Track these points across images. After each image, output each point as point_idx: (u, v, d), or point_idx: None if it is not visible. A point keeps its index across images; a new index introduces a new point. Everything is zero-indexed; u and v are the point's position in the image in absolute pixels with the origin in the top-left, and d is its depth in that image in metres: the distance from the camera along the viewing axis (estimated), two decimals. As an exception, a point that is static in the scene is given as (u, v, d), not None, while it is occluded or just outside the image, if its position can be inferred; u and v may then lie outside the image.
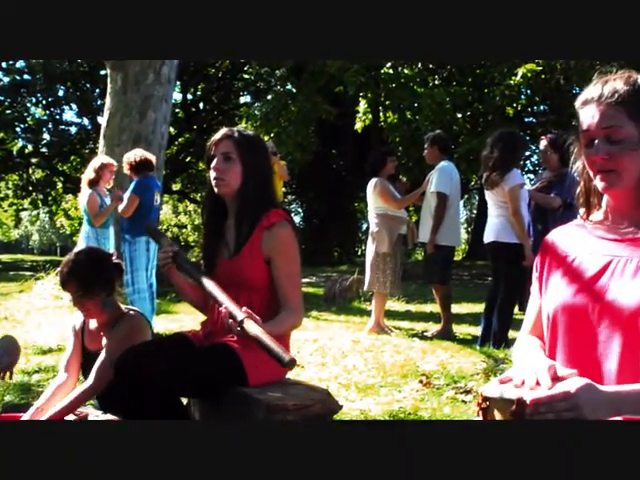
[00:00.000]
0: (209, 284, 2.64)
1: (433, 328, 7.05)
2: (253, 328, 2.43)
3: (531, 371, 1.68)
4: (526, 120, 17.74)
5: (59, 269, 3.22)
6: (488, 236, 6.02)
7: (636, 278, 1.71)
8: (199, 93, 25.22)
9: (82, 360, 3.30)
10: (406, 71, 14.72)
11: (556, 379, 1.65)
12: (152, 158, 6.85)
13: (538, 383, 1.64)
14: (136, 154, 6.76)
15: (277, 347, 2.37)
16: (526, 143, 8.49)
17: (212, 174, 2.78)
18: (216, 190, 2.79)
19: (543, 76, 12.74)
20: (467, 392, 4.26)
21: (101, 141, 11.41)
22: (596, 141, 1.74)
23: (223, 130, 2.83)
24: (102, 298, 3.14)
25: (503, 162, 5.77)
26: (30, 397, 4.19)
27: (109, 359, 2.88)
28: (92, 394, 3.05)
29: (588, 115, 1.76)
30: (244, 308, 2.50)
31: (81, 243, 7.18)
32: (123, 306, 3.33)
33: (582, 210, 1.92)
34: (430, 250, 6.68)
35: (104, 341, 3.16)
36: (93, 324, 3.26)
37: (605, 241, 1.82)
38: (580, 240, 1.88)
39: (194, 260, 3.02)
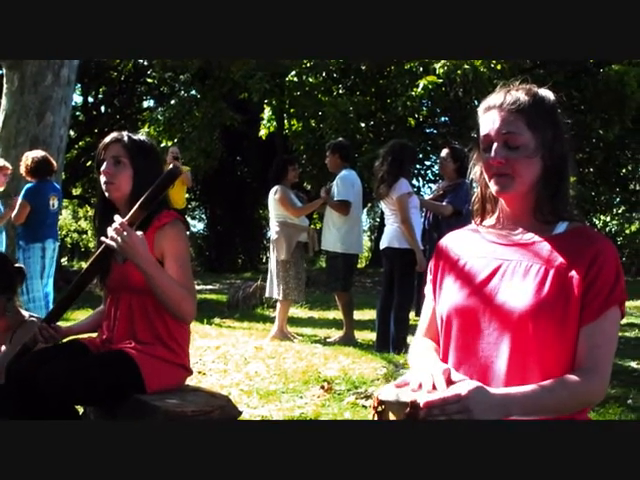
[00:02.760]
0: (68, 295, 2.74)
1: (336, 334, 7.11)
2: (130, 213, 2.51)
3: (427, 375, 1.72)
4: (427, 131, 18.09)
5: None
6: (383, 242, 6.28)
7: (525, 281, 1.78)
8: (100, 96, 24.65)
9: None
10: (311, 79, 14.81)
11: (450, 383, 1.69)
12: (53, 161, 6.66)
13: (434, 387, 1.68)
14: (34, 155, 6.56)
15: (156, 183, 2.46)
16: (416, 154, 8.70)
17: (102, 178, 2.75)
18: (107, 194, 2.76)
19: (443, 89, 13.04)
20: (367, 397, 4.30)
21: (-4, 143, 11.02)
22: (495, 145, 1.81)
23: (113, 134, 2.83)
24: (2, 303, 3.05)
25: (390, 173, 5.98)
26: None
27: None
28: None
29: (489, 120, 1.82)
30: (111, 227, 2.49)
31: (-28, 248, 6.92)
32: (24, 312, 3.24)
33: (477, 215, 1.98)
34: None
35: (3, 347, 3.07)
36: None
37: (496, 245, 1.89)
38: (472, 244, 1.94)
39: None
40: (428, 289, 2.04)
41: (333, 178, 6.98)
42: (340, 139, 7.36)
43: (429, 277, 2.04)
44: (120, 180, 2.72)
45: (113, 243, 2.45)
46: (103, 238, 2.50)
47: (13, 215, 6.44)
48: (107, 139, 2.79)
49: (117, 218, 2.47)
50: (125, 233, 2.43)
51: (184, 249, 2.74)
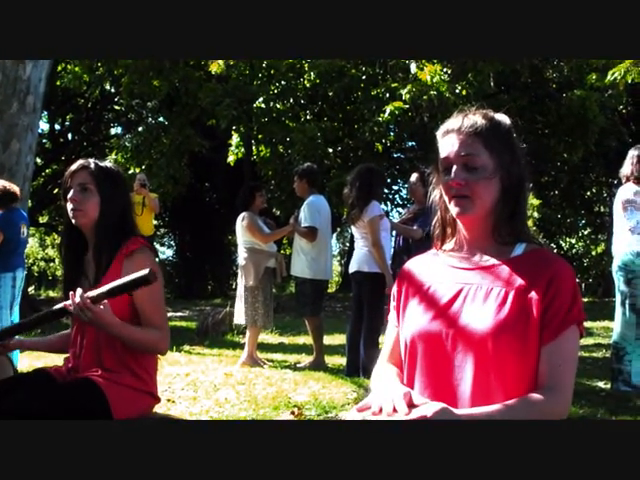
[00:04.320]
0: (31, 320, 2.70)
1: (306, 359, 7.11)
2: (98, 291, 2.45)
3: (388, 398, 1.73)
4: (395, 155, 18.23)
5: None
6: (352, 266, 6.29)
7: (486, 304, 1.81)
8: (67, 123, 24.54)
9: None
10: (278, 106, 14.87)
11: (412, 406, 1.70)
12: (15, 189, 6.59)
13: (395, 410, 1.69)
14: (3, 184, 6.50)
15: (130, 276, 2.39)
16: (384, 177, 8.78)
17: (69, 206, 2.74)
18: (74, 221, 2.74)
19: (410, 114, 13.17)
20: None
21: (-39, 171, 10.91)
22: (454, 167, 1.84)
23: (79, 161, 2.81)
24: None
25: (360, 198, 6.02)
26: None
27: None
28: None
29: (448, 144, 1.86)
30: (74, 292, 2.48)
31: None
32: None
33: (437, 239, 2.01)
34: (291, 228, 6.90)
35: None
36: None
37: (457, 269, 1.92)
38: (434, 269, 1.97)
39: (57, 295, 2.94)
40: (391, 315, 2.06)
41: (301, 204, 7.00)
42: (308, 164, 7.39)
43: (392, 303, 2.07)
44: (87, 207, 2.71)
45: (79, 315, 2.46)
46: (67, 305, 2.49)
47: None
48: (74, 166, 2.78)
49: (79, 292, 2.45)
50: (89, 311, 2.44)
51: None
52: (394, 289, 2.07)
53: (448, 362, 1.83)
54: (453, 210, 1.86)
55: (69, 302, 2.47)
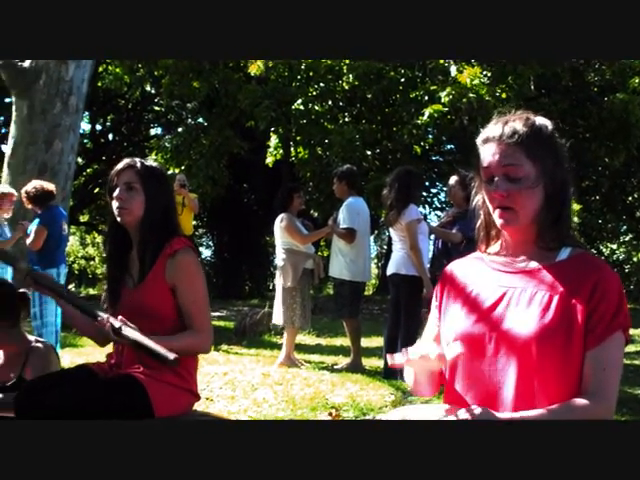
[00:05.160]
0: (74, 299, 2.70)
1: (343, 361, 7.10)
2: (131, 332, 2.47)
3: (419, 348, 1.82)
4: (433, 158, 18.15)
5: None
6: (389, 268, 6.28)
7: (530, 307, 1.79)
8: (108, 124, 24.85)
9: None
10: (317, 107, 14.89)
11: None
12: (51, 187, 6.73)
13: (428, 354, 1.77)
14: (34, 186, 6.64)
15: (158, 347, 2.39)
16: (422, 180, 8.75)
17: (115, 204, 2.77)
18: (119, 219, 2.77)
19: (449, 117, 13.11)
20: (375, 424, 4.29)
21: (5, 170, 11.09)
22: (496, 178, 1.82)
23: (125, 160, 2.84)
24: (6, 329, 3.07)
25: (399, 200, 6.00)
26: None
27: None
28: None
29: (488, 153, 1.84)
30: (120, 317, 2.53)
31: (-23, 273, 6.94)
32: (30, 337, 3.26)
33: (481, 242, 2.00)
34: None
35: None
36: (0, 356, 3.18)
37: (501, 273, 1.90)
38: (478, 272, 1.96)
39: (100, 293, 2.97)
40: (432, 315, 2.06)
41: (340, 206, 7.01)
42: (347, 166, 7.38)
43: (434, 303, 2.06)
44: (132, 205, 2.74)
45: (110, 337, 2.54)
46: (99, 322, 2.55)
47: (29, 241, 6.48)
48: (120, 165, 2.81)
49: (114, 323, 2.52)
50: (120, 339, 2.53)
51: (197, 279, 2.77)
52: (436, 289, 2.07)
53: (490, 366, 1.82)
54: (498, 221, 1.85)
55: (104, 319, 2.52)
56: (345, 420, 4.41)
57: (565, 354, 1.75)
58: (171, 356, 2.35)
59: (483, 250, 2.00)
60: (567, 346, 1.74)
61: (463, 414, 1.67)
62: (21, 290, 3.27)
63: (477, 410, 1.68)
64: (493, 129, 1.86)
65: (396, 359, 1.82)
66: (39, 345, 3.18)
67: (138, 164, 2.79)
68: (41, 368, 3.00)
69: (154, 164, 2.92)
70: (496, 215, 1.85)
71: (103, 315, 2.56)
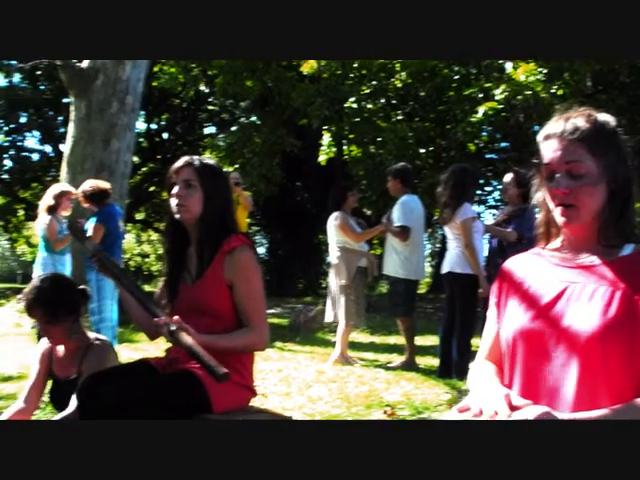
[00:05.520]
0: (136, 290, 2.69)
1: (397, 359, 7.08)
2: (186, 339, 2.47)
3: (488, 400, 1.71)
4: (488, 156, 17.99)
5: (24, 296, 3.20)
6: (444, 267, 6.24)
7: (591, 303, 1.76)
8: (163, 123, 25.18)
9: (51, 387, 3.28)
10: (369, 105, 14.87)
11: (512, 408, 1.67)
12: (107, 186, 6.85)
13: (496, 412, 1.67)
14: (90, 185, 6.77)
15: (211, 359, 2.40)
16: (477, 178, 8.64)
17: (173, 201, 2.79)
18: (177, 217, 2.80)
19: (504, 114, 12.97)
20: (431, 423, 4.27)
21: (64, 168, 11.33)
22: (557, 175, 1.79)
23: (184, 158, 2.86)
24: (68, 325, 3.13)
25: (454, 198, 5.95)
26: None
27: None
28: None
29: (550, 149, 1.81)
30: (176, 317, 2.54)
31: (37, 269, 7.11)
32: (90, 334, 3.31)
33: (541, 239, 1.97)
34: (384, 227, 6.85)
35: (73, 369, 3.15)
36: (61, 351, 3.25)
37: (561, 268, 1.87)
38: (537, 267, 1.93)
39: (155, 290, 2.99)
40: (491, 312, 2.03)
41: (393, 204, 6.98)
42: (402, 164, 7.34)
43: (492, 300, 2.03)
44: (191, 203, 2.76)
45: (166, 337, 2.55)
46: (157, 321, 2.55)
47: (88, 237, 6.62)
48: (179, 163, 2.84)
49: (171, 326, 2.52)
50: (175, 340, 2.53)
51: (255, 276, 2.78)
52: (494, 286, 2.04)
53: (550, 363, 1.79)
54: (559, 219, 1.82)
55: (161, 320, 2.54)
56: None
57: (629, 351, 1.70)
58: (222, 371, 2.37)
59: (543, 246, 1.97)
60: (630, 343, 1.70)
61: (524, 414, 1.64)
62: (81, 286, 3.33)
63: (538, 409, 1.65)
64: (554, 126, 1.84)
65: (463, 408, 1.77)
66: (97, 342, 3.24)
67: (196, 162, 2.81)
68: (97, 365, 3.03)
69: (212, 162, 2.94)
70: (557, 213, 1.82)
71: (161, 314, 2.57)
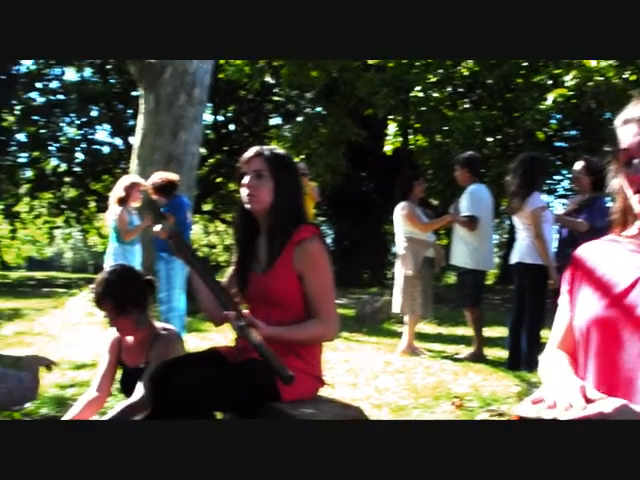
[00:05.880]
0: (207, 277, 2.68)
1: (465, 351, 7.02)
2: (254, 336, 2.49)
3: (563, 392, 1.67)
4: (557, 144, 17.65)
5: (93, 288, 3.26)
6: (513, 257, 6.13)
7: None
8: (230, 115, 25.43)
9: (121, 375, 3.35)
10: (435, 94, 14.75)
11: (587, 400, 1.63)
12: (175, 178, 6.95)
13: (571, 405, 1.63)
14: (160, 177, 6.87)
15: (277, 360, 2.42)
16: (547, 166, 8.45)
17: (244, 191, 2.80)
18: (248, 207, 2.81)
19: (574, 101, 12.69)
20: (501, 415, 4.22)
21: (134, 160, 11.54)
22: (636, 161, 1.74)
23: (254, 148, 2.86)
24: (136, 316, 3.18)
25: (523, 187, 5.84)
26: (65, 410, 4.23)
27: None
28: (135, 411, 3.07)
29: (629, 134, 1.76)
30: (246, 311, 2.57)
31: (108, 260, 7.25)
32: (157, 323, 3.36)
33: (617, 225, 1.91)
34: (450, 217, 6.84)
35: (142, 358, 3.20)
36: (130, 340, 3.31)
37: (637, 254, 1.81)
38: (612, 254, 1.87)
39: (223, 280, 3.00)
40: (563, 300, 1.98)
41: (461, 193, 6.91)
42: (470, 153, 7.25)
43: (564, 287, 1.98)
44: (261, 193, 2.77)
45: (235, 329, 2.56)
46: (228, 315, 2.57)
47: (158, 229, 6.72)
48: (249, 153, 2.84)
49: (242, 321, 2.53)
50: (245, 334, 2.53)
51: (324, 267, 2.78)
52: (566, 274, 1.99)
53: (625, 352, 1.73)
54: (636, 206, 1.77)
55: (231, 315, 2.55)
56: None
57: None
58: (288, 373, 2.38)
59: (618, 233, 1.91)
60: None
61: (600, 407, 1.60)
62: (148, 277, 3.38)
63: (616, 403, 1.60)
64: (634, 110, 1.78)
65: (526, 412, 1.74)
66: (164, 332, 3.28)
67: (267, 152, 2.82)
68: (164, 354, 3.08)
69: (283, 152, 2.94)
70: (635, 200, 1.76)
71: (231, 306, 2.58)
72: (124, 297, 3.16)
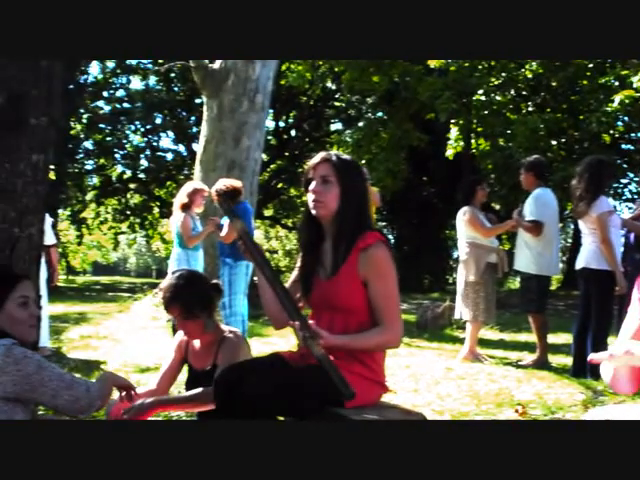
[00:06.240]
0: (275, 281, 2.66)
1: (528, 357, 6.92)
2: (318, 349, 2.50)
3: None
4: (623, 147, 17.28)
5: (162, 293, 3.32)
6: (579, 262, 6.00)
7: None
8: (291, 120, 25.60)
9: (187, 377, 3.41)
10: (498, 97, 14.59)
11: None
12: (239, 185, 7.01)
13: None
14: (224, 184, 6.94)
15: (340, 376, 2.44)
16: (613, 169, 8.26)
17: (310, 197, 2.80)
18: (314, 212, 2.81)
19: (642, 102, 12.42)
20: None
21: (197, 167, 11.71)
22: None
23: (321, 154, 2.85)
24: (203, 320, 3.24)
25: (589, 191, 5.73)
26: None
27: None
28: (199, 404, 3.13)
29: None
30: (311, 321, 2.55)
31: (172, 265, 7.34)
32: (223, 326, 3.41)
33: None
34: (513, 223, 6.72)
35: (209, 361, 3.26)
36: (197, 344, 3.37)
37: None
38: None
39: (286, 284, 3.00)
40: (633, 308, 1.94)
41: (524, 197, 6.81)
42: (535, 157, 7.13)
43: (635, 295, 1.94)
44: (328, 199, 2.76)
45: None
46: (292, 324, 2.57)
47: (222, 234, 6.80)
48: (316, 159, 2.84)
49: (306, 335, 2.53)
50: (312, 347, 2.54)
51: (389, 274, 2.76)
52: (638, 281, 1.95)
53: None
54: None
55: (296, 325, 2.55)
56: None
57: None
58: (350, 391, 2.40)
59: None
60: None
61: None
62: (214, 282, 3.44)
63: None
64: None
65: (597, 356, 1.73)
66: (231, 335, 3.33)
67: (334, 157, 2.81)
68: (231, 357, 3.12)
69: (349, 157, 2.92)
70: None
71: (296, 314, 2.58)
72: (191, 301, 3.22)
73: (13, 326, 2.51)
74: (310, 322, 2.56)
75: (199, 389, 3.16)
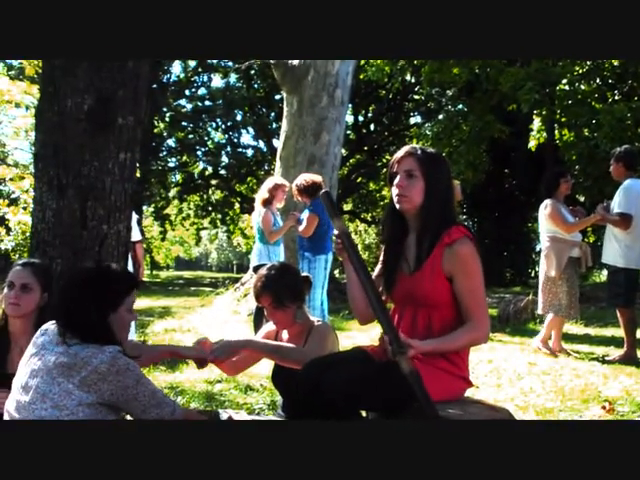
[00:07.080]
0: (370, 286, 2.62)
1: (615, 352, 6.74)
2: (406, 365, 2.49)
3: None
4: None
5: (253, 283, 3.42)
6: None
7: None
8: (370, 115, 25.56)
9: (274, 367, 3.49)
10: (583, 87, 14.24)
11: None
12: (319, 179, 7.05)
13: None
14: (304, 179, 6.98)
15: (425, 396, 2.45)
16: None
17: (394, 191, 2.79)
18: (398, 206, 2.80)
19: None
20: None
21: (277, 162, 11.83)
22: None
23: (405, 148, 2.84)
24: (293, 310, 3.31)
25: None
26: (213, 405, 4.41)
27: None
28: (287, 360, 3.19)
29: None
30: (402, 335, 2.54)
31: (254, 260, 7.44)
32: (312, 317, 3.48)
33: None
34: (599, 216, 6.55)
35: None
36: (285, 335, 3.44)
37: None
38: None
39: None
40: None
41: (610, 189, 6.64)
42: (626, 147, 6.90)
43: None
44: (412, 193, 2.75)
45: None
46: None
47: (301, 229, 6.87)
48: (400, 153, 2.83)
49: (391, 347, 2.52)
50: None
51: (475, 269, 2.73)
52: None
53: None
54: None
55: (388, 340, 2.53)
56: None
57: None
58: (432, 413, 2.41)
59: None
60: None
61: None
62: (305, 274, 3.50)
63: None
64: None
65: None
66: (319, 324, 3.40)
67: (419, 151, 2.79)
68: (320, 345, 3.20)
69: (434, 151, 2.90)
70: None
71: (387, 324, 2.57)
72: (282, 292, 3.30)
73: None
74: (402, 335, 2.55)
75: (292, 345, 3.25)
